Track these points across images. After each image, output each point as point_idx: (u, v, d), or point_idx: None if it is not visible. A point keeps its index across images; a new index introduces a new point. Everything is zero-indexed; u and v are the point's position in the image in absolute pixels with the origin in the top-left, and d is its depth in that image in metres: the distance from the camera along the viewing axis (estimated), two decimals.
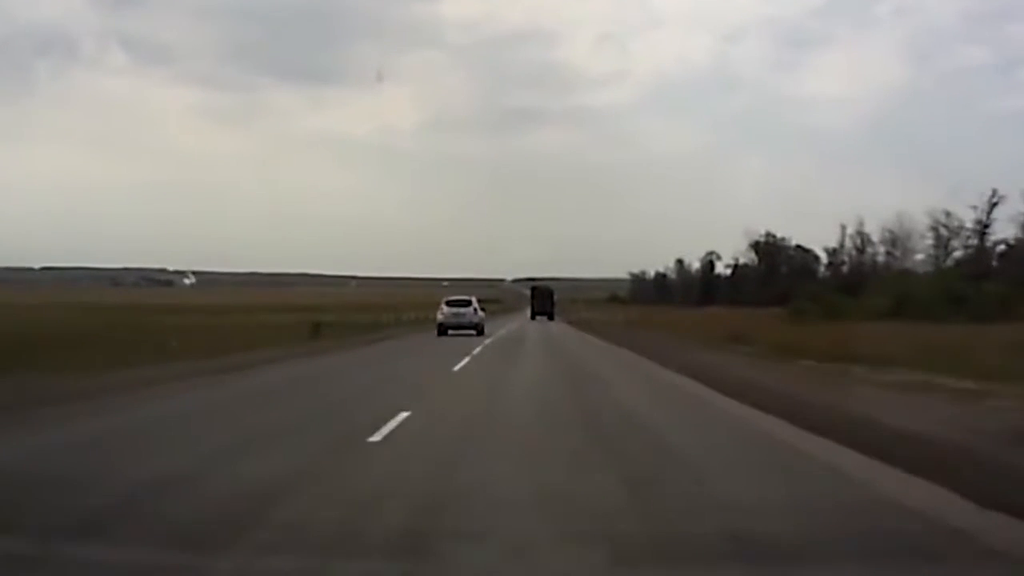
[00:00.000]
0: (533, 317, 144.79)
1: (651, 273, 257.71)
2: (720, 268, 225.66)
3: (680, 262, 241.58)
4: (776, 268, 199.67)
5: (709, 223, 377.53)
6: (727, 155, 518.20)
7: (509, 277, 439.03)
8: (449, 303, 74.16)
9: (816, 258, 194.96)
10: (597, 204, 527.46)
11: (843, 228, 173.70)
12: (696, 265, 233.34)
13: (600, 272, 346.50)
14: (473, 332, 69.31)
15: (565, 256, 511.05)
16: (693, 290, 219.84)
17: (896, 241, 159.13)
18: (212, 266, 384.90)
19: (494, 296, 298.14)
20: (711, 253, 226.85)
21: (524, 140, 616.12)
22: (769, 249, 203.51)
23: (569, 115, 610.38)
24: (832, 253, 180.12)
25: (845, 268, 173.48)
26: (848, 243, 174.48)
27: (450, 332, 69.88)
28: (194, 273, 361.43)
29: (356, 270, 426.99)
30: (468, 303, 74.51)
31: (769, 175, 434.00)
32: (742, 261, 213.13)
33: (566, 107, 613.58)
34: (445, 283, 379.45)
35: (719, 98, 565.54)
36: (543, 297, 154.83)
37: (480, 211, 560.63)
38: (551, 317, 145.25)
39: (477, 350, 48.02)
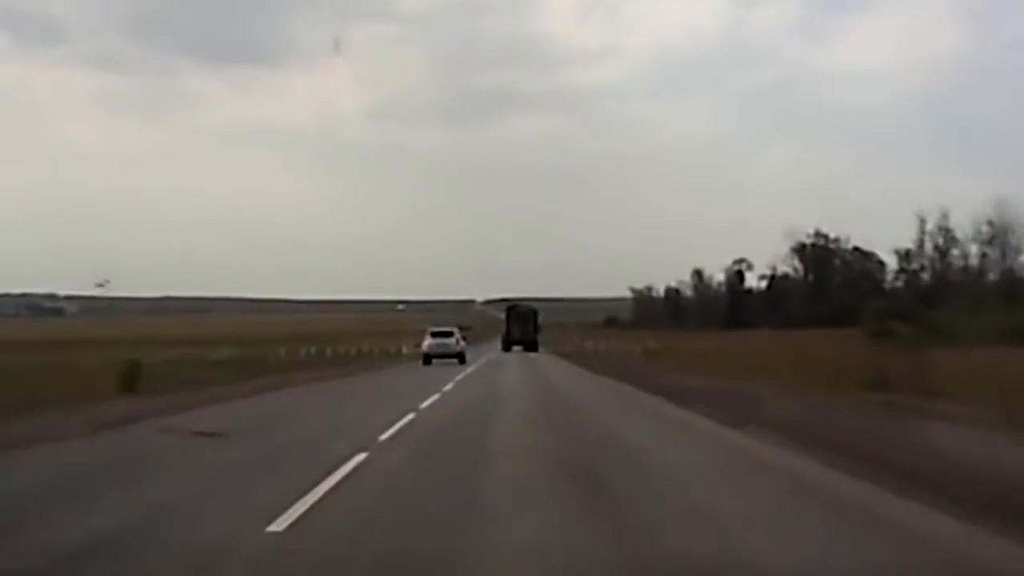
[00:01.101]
0: (507, 348, 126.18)
1: (659, 289, 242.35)
2: (751, 281, 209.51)
3: (699, 274, 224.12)
4: (827, 278, 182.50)
5: (730, 227, 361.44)
6: (747, 143, 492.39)
7: (480, 298, 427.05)
8: (434, 334, 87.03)
9: (880, 264, 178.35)
10: (588, 206, 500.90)
11: (921, 223, 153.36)
12: (719, 277, 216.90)
13: (593, 290, 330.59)
14: (455, 360, 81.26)
15: (549, 272, 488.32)
16: (717, 309, 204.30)
17: (997, 237, 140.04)
18: (115, 290, 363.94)
19: (461, 323, 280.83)
20: (740, 262, 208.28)
21: (495, 129, 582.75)
22: (819, 254, 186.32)
23: (550, 98, 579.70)
24: (905, 256, 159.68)
25: (925, 274, 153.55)
26: (928, 243, 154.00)
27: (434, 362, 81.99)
28: (88, 299, 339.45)
29: (290, 292, 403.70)
30: (451, 334, 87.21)
31: (800, 166, 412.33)
32: (781, 271, 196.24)
33: (546, 88, 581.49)
34: (401, 307, 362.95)
35: (735, 75, 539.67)
36: (522, 320, 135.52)
37: (443, 217, 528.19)
38: (533, 347, 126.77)
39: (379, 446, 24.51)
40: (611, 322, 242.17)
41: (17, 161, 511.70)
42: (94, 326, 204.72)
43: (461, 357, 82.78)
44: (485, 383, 53.94)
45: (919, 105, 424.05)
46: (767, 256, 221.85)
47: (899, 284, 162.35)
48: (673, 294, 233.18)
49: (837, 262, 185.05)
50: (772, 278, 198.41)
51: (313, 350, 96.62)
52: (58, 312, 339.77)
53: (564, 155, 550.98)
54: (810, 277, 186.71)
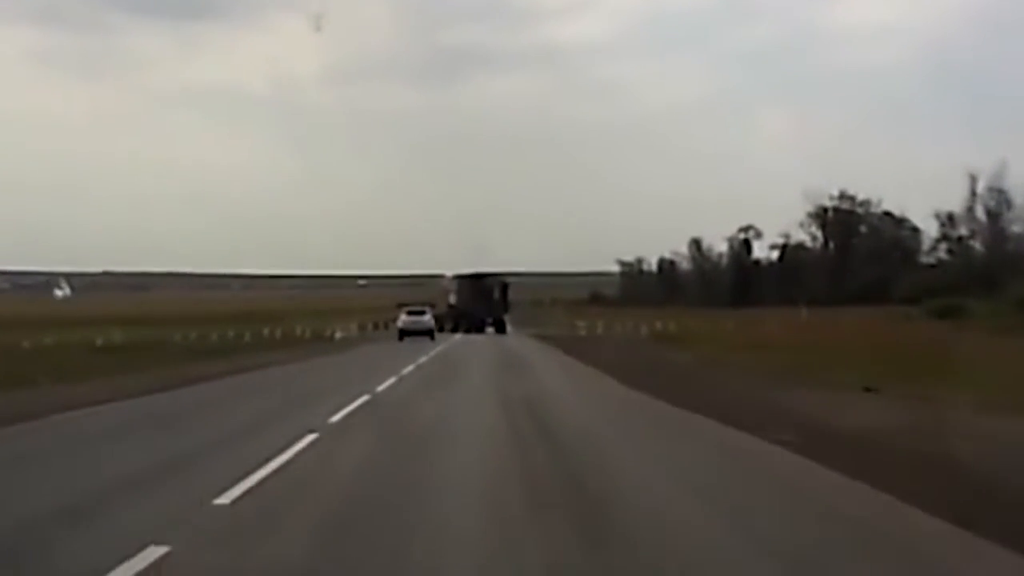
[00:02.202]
0: (463, 328, 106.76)
1: (651, 262, 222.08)
2: (759, 251, 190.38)
3: (697, 244, 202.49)
4: (852, 248, 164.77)
5: (730, 194, 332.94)
6: (744, 105, 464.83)
7: (449, 272, 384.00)
8: (409, 312, 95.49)
9: (914, 231, 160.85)
10: (568, 173, 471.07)
11: (972, 181, 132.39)
12: (720, 248, 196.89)
13: (574, 264, 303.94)
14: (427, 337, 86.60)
15: (526, 244, 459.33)
16: (719, 283, 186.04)
17: None
18: (50, 265, 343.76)
19: (427, 299, 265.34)
20: (746, 229, 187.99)
21: (466, 90, 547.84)
22: (842, 220, 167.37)
23: (526, 56, 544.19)
24: (948, 222, 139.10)
25: (977, 243, 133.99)
26: (979, 206, 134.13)
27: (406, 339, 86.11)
28: (20, 275, 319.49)
29: (241, 266, 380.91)
30: (424, 312, 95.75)
31: (803, 128, 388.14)
32: (795, 239, 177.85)
33: (522, 45, 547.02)
34: (362, 282, 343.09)
35: (729, 31, 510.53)
36: (482, 294, 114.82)
37: (409, 186, 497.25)
38: (501, 328, 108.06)
39: None
40: (596, 298, 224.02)
41: None
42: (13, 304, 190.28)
43: (431, 334, 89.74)
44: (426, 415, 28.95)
45: (924, 64, 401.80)
46: (777, 223, 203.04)
47: (939, 254, 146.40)
48: (668, 266, 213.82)
49: (863, 228, 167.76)
50: (784, 247, 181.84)
51: (231, 333, 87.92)
52: None
53: (539, 119, 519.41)
54: (831, 246, 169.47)
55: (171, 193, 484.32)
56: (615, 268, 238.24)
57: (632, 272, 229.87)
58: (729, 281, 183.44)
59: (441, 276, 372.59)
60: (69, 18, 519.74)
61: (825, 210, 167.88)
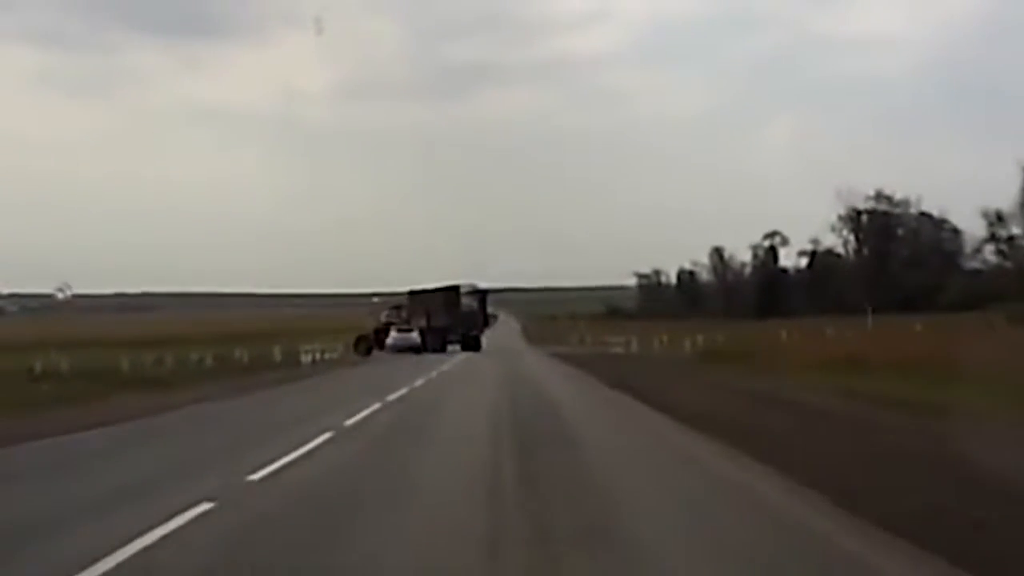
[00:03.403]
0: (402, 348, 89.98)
1: (670, 273, 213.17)
2: (786, 259, 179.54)
3: (719, 253, 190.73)
4: (890, 253, 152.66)
5: (747, 203, 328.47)
6: (752, 115, 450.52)
7: (462, 289, 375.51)
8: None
9: (955, 232, 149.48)
10: (579, 187, 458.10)
11: None
12: (744, 257, 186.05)
13: (590, 278, 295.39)
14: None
15: (538, 259, 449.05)
16: (744, 293, 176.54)
17: None
18: (48, 285, 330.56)
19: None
20: (772, 235, 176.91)
21: (473, 105, 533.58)
22: (878, 222, 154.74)
23: (533, 70, 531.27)
24: (997, 220, 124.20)
25: None
26: None
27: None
28: (31, 297, 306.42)
29: (249, 285, 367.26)
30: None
31: (823, 134, 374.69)
32: (825, 245, 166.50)
33: (528, 59, 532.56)
34: (375, 299, 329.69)
35: (737, 41, 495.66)
36: (444, 307, 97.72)
37: (419, 203, 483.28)
38: (473, 345, 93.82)
39: None
40: (613, 312, 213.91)
41: None
42: (17, 327, 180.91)
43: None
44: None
45: (928, 75, 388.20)
46: (803, 229, 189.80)
47: (986, 256, 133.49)
48: (687, 278, 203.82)
49: (901, 231, 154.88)
50: (813, 254, 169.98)
51: (196, 356, 74.00)
52: None
53: (548, 133, 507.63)
54: (865, 251, 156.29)
55: (175, 212, 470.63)
56: (630, 281, 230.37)
57: (650, 284, 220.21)
58: (754, 291, 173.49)
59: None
60: (70, 38, 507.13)
61: (859, 212, 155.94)
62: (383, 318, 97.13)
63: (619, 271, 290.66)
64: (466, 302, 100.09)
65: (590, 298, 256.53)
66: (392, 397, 33.97)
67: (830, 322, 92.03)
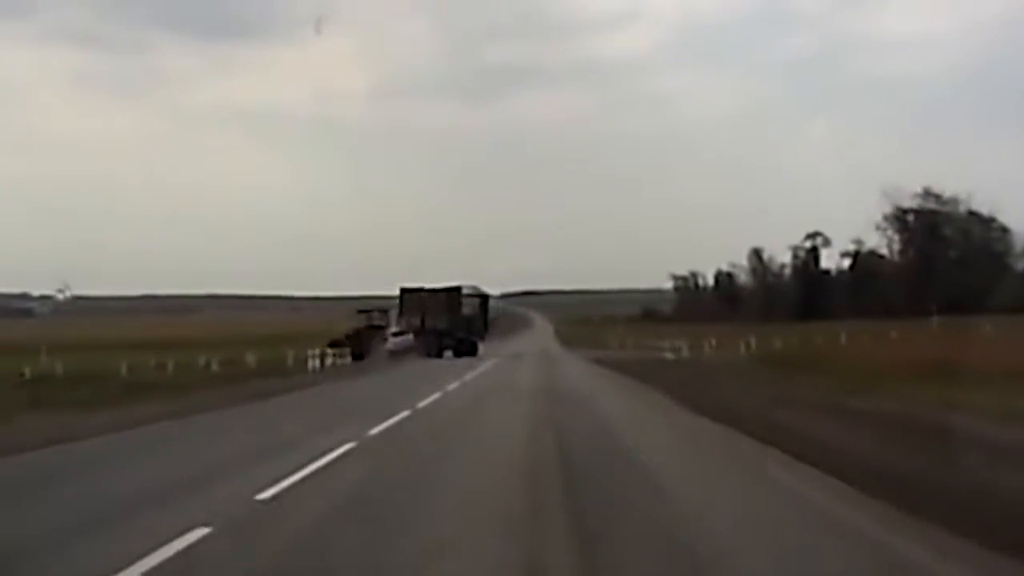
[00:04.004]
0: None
1: (707, 276, 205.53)
2: (827, 260, 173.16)
3: (758, 255, 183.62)
4: (937, 253, 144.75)
5: (778, 209, 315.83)
6: (788, 116, 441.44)
7: (497, 291, 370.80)
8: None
9: (1004, 231, 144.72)
10: (613, 188, 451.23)
11: None
12: (783, 258, 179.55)
13: (623, 281, 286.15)
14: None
15: (571, 262, 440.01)
16: (784, 295, 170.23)
17: None
18: (91, 288, 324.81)
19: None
20: (814, 236, 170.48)
21: (510, 106, 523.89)
22: (925, 221, 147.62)
23: (569, 71, 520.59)
24: None
25: None
26: None
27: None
28: (64, 298, 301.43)
29: (285, 288, 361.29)
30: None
31: (852, 139, 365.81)
32: (868, 247, 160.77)
33: (564, 60, 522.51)
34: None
35: (770, 42, 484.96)
36: (441, 311, 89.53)
37: (453, 204, 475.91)
38: (469, 350, 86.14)
39: None
40: (649, 315, 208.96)
41: None
42: (44, 328, 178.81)
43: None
44: None
45: (961, 74, 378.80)
46: (844, 230, 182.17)
47: None
48: (726, 279, 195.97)
49: (948, 231, 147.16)
50: (856, 255, 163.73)
51: (204, 361, 69.40)
52: (27, 313, 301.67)
53: (584, 134, 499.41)
54: (910, 252, 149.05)
55: (209, 214, 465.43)
56: (666, 284, 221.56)
57: (687, 287, 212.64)
58: (795, 293, 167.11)
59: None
60: (106, 39, 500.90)
61: (905, 211, 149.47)
62: (363, 322, 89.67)
63: (654, 274, 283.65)
64: (467, 305, 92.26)
65: (624, 301, 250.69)
66: (390, 422, 25.08)
67: (879, 325, 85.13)
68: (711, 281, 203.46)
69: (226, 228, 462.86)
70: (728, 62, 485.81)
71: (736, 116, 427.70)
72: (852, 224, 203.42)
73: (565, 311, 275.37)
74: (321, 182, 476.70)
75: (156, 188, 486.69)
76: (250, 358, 69.06)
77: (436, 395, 34.28)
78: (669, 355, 63.71)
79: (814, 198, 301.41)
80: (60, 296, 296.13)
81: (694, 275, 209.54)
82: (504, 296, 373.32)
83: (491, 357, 74.58)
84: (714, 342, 67.53)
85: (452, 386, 39.71)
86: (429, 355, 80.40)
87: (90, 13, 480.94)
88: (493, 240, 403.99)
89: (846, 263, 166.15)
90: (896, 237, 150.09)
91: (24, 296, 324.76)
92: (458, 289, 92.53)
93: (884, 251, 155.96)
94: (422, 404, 30.39)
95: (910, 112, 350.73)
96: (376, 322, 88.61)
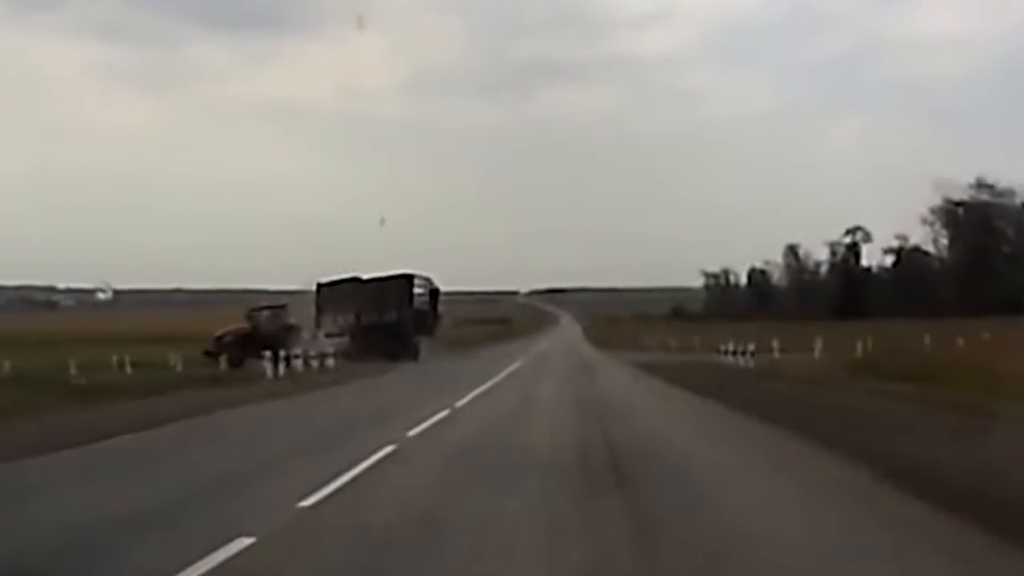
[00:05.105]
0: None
1: (740, 274, 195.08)
2: (869, 257, 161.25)
3: (793, 251, 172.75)
4: (989, 249, 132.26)
5: (812, 206, 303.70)
6: (818, 115, 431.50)
7: (524, 288, 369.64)
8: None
9: None
10: (642, 187, 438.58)
11: None
12: (819, 256, 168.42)
13: (655, 279, 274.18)
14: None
15: (599, 260, 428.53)
16: (822, 293, 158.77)
17: None
18: (121, 282, 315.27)
19: (499, 315, 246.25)
20: (854, 231, 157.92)
21: (541, 103, 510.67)
22: (977, 214, 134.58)
23: (601, 68, 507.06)
24: None
25: None
26: None
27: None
28: (88, 292, 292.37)
29: (311, 283, 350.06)
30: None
31: (887, 137, 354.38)
32: (912, 242, 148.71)
33: (596, 58, 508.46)
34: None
35: (803, 40, 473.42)
36: (392, 301, 75.66)
37: (483, 200, 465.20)
38: (410, 352, 69.36)
39: None
40: (678, 313, 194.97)
41: (9, 141, 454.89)
42: (67, 321, 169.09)
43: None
44: None
45: (993, 77, 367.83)
46: (883, 227, 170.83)
47: None
48: (759, 277, 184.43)
49: (1001, 224, 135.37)
50: (900, 251, 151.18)
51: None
52: (52, 306, 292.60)
53: (615, 132, 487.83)
54: (960, 247, 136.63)
55: (238, 209, 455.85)
56: (695, 282, 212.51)
57: (716, 285, 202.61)
58: (833, 290, 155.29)
59: (515, 293, 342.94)
60: (134, 32, 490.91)
61: (956, 204, 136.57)
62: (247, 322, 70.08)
63: (681, 272, 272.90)
64: (417, 299, 77.04)
65: (651, 299, 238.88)
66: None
67: (937, 325, 72.12)
68: (743, 279, 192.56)
69: (255, 222, 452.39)
70: (762, 60, 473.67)
71: (770, 113, 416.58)
72: (891, 221, 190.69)
73: (590, 309, 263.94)
74: (351, 178, 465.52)
75: (184, 181, 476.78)
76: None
77: (426, 423, 22.76)
78: (727, 359, 49.77)
79: (850, 195, 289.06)
80: (101, 295, 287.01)
81: (726, 272, 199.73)
82: (530, 293, 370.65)
83: (506, 361, 60.15)
84: (777, 343, 54.42)
85: (445, 412, 25.59)
86: (365, 358, 61.59)
87: (121, 5, 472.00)
88: (519, 237, 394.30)
89: (888, 260, 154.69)
90: (944, 231, 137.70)
91: (50, 289, 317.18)
92: (411, 278, 77.16)
93: (930, 247, 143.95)
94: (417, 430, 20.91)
95: (952, 109, 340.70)
96: (286, 320, 68.46)
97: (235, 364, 56.83)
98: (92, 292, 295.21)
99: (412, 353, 68.52)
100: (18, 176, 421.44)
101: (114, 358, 56.68)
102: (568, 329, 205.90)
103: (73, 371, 49.73)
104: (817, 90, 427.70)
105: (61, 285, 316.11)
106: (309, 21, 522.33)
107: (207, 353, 62.40)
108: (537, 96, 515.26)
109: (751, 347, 46.62)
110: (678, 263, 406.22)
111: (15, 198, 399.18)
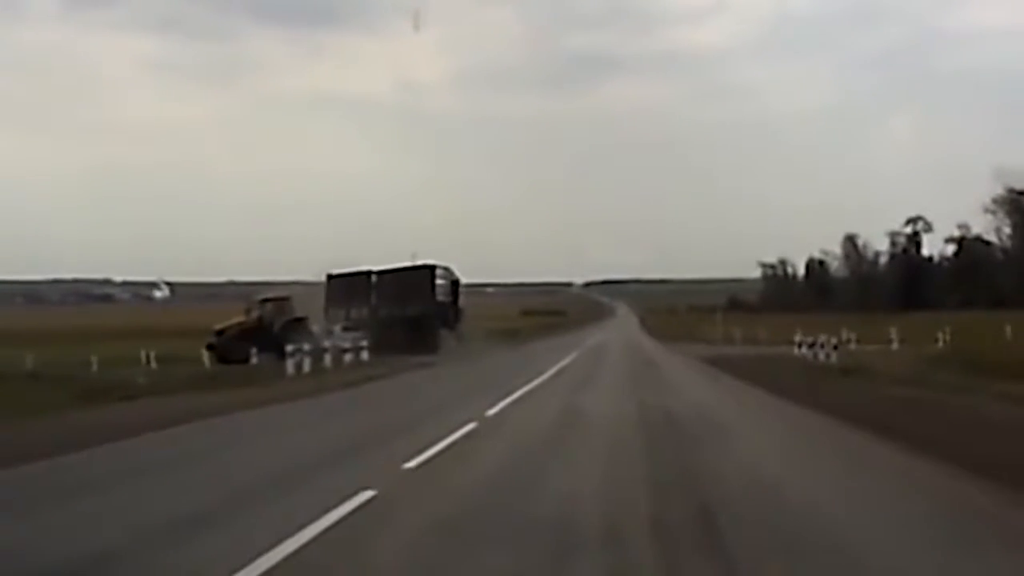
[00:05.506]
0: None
1: (797, 265, 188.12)
2: (929, 248, 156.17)
3: (852, 241, 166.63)
4: None
5: (869, 197, 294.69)
6: (873, 110, 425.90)
7: (579, 280, 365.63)
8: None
9: None
10: (696, 179, 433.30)
11: None
12: (879, 246, 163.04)
13: (710, 270, 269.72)
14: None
15: (654, 251, 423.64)
16: (882, 284, 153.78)
17: None
18: (176, 275, 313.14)
19: (554, 306, 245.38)
20: (914, 221, 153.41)
21: (595, 96, 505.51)
22: None
23: (655, 61, 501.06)
24: None
25: None
26: None
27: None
28: (144, 285, 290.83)
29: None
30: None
31: (944, 130, 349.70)
32: (974, 232, 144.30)
33: (651, 50, 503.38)
34: (490, 290, 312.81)
35: (856, 34, 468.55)
36: (413, 294, 71.98)
37: (537, 193, 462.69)
38: (428, 346, 64.22)
39: None
40: (735, 304, 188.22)
41: (66, 136, 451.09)
42: (124, 314, 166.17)
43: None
44: None
45: None
46: (943, 217, 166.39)
47: None
48: (817, 268, 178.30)
49: None
50: (961, 241, 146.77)
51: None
52: (107, 299, 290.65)
53: (666, 124, 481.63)
54: (1022, 236, 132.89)
55: (295, 200, 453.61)
56: (751, 273, 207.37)
57: (776, 275, 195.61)
58: (894, 281, 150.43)
59: (569, 285, 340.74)
60: (189, 26, 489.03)
61: (1019, 193, 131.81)
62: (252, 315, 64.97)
63: (737, 263, 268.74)
64: (440, 290, 73.34)
65: (706, 290, 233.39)
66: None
67: (1007, 316, 66.45)
68: (801, 270, 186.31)
69: (310, 215, 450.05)
70: (818, 52, 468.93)
71: (826, 105, 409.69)
72: (952, 211, 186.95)
73: (647, 300, 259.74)
74: (406, 171, 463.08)
75: (239, 175, 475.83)
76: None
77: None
78: (803, 353, 43.95)
79: (910, 185, 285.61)
80: (158, 294, 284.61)
81: (783, 263, 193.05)
82: (585, 285, 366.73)
83: (558, 355, 55.12)
84: (851, 335, 49.37)
85: (491, 412, 22.34)
86: (383, 353, 54.78)
87: (174, 0, 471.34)
88: (574, 229, 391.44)
89: (949, 250, 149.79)
90: (1007, 220, 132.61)
91: (106, 282, 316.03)
92: (432, 268, 73.29)
93: (992, 237, 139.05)
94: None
95: (1013, 99, 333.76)
96: (292, 313, 63.48)
97: (239, 360, 52.20)
98: (147, 286, 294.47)
99: (433, 347, 63.63)
100: (75, 171, 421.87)
101: (143, 353, 52.75)
102: (625, 320, 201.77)
103: (94, 367, 46.61)
104: (875, 81, 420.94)
105: (117, 279, 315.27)
106: (364, 15, 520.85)
107: (208, 347, 57.78)
108: (592, 89, 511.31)
109: (832, 340, 41.33)
110: (732, 254, 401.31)
111: (73, 192, 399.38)
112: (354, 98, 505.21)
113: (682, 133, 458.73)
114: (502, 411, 23.51)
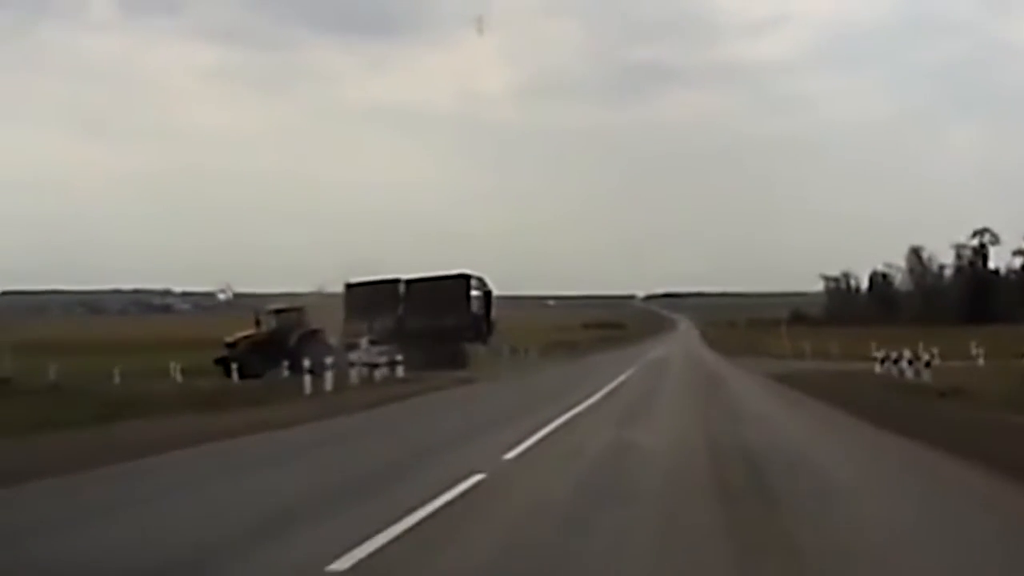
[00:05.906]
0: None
1: (860, 278, 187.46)
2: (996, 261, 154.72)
3: (917, 254, 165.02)
4: None
5: (930, 212, 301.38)
6: (934, 121, 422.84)
7: (641, 293, 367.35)
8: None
9: None
10: (758, 191, 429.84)
11: None
12: (944, 259, 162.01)
13: (771, 283, 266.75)
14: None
15: (715, 264, 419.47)
16: (949, 297, 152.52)
17: None
18: (238, 286, 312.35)
19: (615, 319, 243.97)
20: (981, 232, 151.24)
21: (654, 107, 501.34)
22: None
23: (715, 73, 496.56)
24: None
25: None
26: None
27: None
28: (203, 295, 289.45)
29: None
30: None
31: (1009, 141, 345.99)
32: None
33: (712, 62, 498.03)
34: (551, 302, 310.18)
35: (918, 46, 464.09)
36: (446, 305, 68.57)
37: (598, 204, 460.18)
38: (457, 361, 61.80)
39: None
40: (798, 317, 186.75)
41: (127, 145, 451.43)
42: (176, 324, 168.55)
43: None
44: None
45: None
46: (1015, 227, 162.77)
47: None
48: (881, 280, 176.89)
49: None
50: None
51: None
52: (166, 309, 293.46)
53: (734, 134, 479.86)
54: None
55: (353, 211, 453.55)
56: (813, 286, 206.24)
57: (839, 288, 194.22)
58: (960, 294, 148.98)
59: (631, 297, 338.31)
60: (250, 36, 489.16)
61: None
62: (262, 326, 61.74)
63: (799, 276, 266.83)
64: (474, 301, 70.14)
65: (768, 304, 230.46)
66: None
67: None
68: (864, 283, 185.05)
69: (367, 224, 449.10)
70: (878, 64, 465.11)
71: (888, 117, 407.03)
72: (1019, 223, 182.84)
73: (707, 314, 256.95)
74: (466, 182, 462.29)
75: (296, 185, 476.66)
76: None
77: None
78: (886, 369, 39.24)
79: (974, 198, 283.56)
80: (221, 296, 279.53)
81: (846, 276, 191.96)
82: (647, 298, 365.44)
83: (613, 370, 50.83)
84: (932, 350, 44.88)
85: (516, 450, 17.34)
86: (424, 367, 51.20)
87: (239, 10, 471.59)
88: (635, 242, 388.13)
89: (1017, 262, 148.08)
90: None
91: (166, 292, 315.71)
92: (468, 279, 69.99)
93: None
94: None
95: None
96: (307, 325, 59.75)
97: (253, 375, 48.90)
98: (208, 295, 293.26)
99: (463, 363, 60.71)
100: (136, 180, 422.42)
101: (171, 365, 49.71)
102: (686, 334, 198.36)
103: (117, 380, 43.64)
104: (936, 93, 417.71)
105: (177, 289, 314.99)
106: (426, 25, 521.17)
107: (217, 361, 55.01)
108: (653, 100, 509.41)
109: (923, 355, 36.84)
110: (794, 267, 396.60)
111: (133, 201, 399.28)
112: (414, 108, 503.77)
113: (743, 144, 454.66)
114: (527, 451, 17.91)
